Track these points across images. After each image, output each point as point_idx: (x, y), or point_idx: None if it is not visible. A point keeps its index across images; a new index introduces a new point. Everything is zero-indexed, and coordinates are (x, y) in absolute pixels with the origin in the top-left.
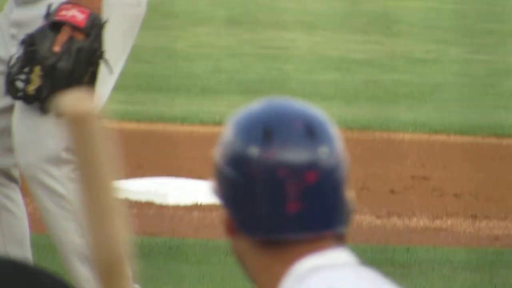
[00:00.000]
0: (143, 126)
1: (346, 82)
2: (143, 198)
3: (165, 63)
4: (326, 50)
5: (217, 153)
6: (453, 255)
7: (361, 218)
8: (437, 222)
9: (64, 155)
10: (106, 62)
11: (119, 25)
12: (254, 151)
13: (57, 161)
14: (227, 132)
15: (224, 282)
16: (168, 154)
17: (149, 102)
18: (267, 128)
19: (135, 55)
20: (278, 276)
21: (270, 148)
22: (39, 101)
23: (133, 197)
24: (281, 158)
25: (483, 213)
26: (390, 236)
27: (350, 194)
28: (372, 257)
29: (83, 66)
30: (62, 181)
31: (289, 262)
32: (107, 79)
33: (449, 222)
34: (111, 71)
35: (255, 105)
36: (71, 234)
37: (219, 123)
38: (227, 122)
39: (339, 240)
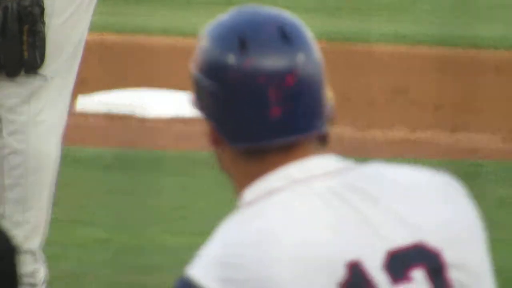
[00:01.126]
0: (125, 38)
1: None
2: (124, 110)
3: None
4: None
5: (194, 66)
6: (432, 167)
7: (342, 130)
8: (417, 134)
9: None
10: (38, 26)
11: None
12: (231, 61)
13: None
14: (202, 44)
15: (204, 193)
16: (150, 66)
17: (131, 13)
18: (241, 37)
19: None
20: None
21: (247, 56)
22: None
23: (115, 109)
24: (259, 66)
25: (463, 125)
26: (371, 149)
27: (329, 94)
28: None
29: (14, 29)
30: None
31: (271, 170)
32: (68, 41)
33: (428, 134)
34: (67, 38)
35: (227, 14)
36: None
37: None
38: (201, 33)
39: (322, 145)
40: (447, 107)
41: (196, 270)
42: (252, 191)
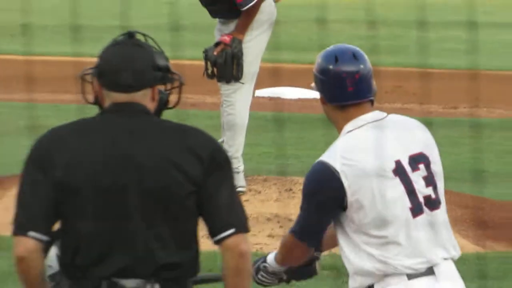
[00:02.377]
0: None
1: None
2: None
3: None
4: None
5: (314, 69)
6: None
7: None
8: None
9: None
10: (240, 60)
11: (259, 40)
12: (331, 66)
13: None
14: (317, 60)
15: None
16: None
17: None
18: (336, 56)
19: None
20: (343, 126)
21: (337, 65)
22: (215, 77)
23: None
24: (343, 69)
25: None
26: None
27: (374, 84)
28: None
29: (229, 61)
30: None
31: (349, 118)
32: (251, 67)
33: None
34: (250, 65)
35: (330, 47)
36: None
37: None
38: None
39: (372, 105)
40: None
41: (326, 159)
42: (349, 126)
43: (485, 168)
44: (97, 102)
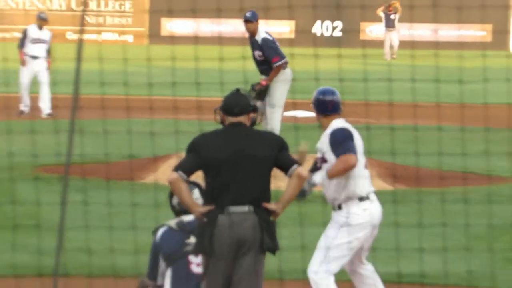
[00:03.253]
0: None
1: None
2: None
3: None
4: None
5: (313, 98)
6: None
7: None
8: None
9: None
10: (267, 91)
11: (282, 86)
12: (320, 97)
13: None
14: (314, 94)
15: None
16: None
17: None
18: (323, 91)
19: None
20: (327, 125)
21: (324, 96)
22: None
23: None
24: (327, 98)
25: None
26: None
27: (341, 105)
28: None
29: (263, 93)
30: None
31: (330, 121)
32: (280, 100)
33: None
34: (279, 99)
35: (320, 88)
36: None
37: None
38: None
39: (339, 115)
40: None
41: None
42: (335, 123)
43: None
44: (222, 122)
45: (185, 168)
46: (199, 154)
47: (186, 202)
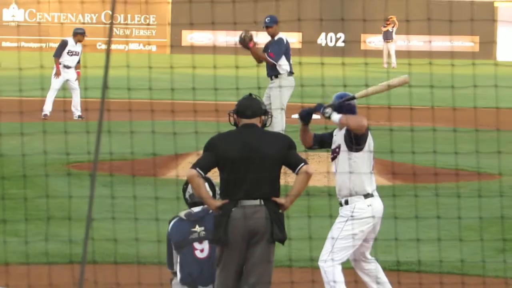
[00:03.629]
0: None
1: None
2: None
3: None
4: None
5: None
6: None
7: None
8: None
9: None
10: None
11: (286, 91)
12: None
13: None
14: (333, 99)
15: None
16: None
17: None
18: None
19: None
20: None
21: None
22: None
23: None
24: (347, 102)
25: None
26: None
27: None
28: None
29: (244, 43)
30: None
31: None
32: (281, 107)
33: None
34: (280, 103)
35: (340, 92)
36: None
37: None
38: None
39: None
40: None
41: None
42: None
43: None
44: (235, 124)
45: (202, 165)
46: (215, 153)
47: (204, 196)
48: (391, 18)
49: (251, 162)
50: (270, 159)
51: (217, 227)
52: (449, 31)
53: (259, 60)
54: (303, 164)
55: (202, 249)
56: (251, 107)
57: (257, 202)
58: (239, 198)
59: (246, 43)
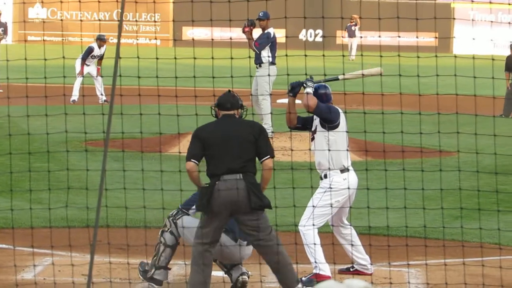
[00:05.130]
0: None
1: None
2: None
3: None
4: None
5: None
6: None
7: None
8: None
9: None
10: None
11: (269, 79)
12: (321, 91)
13: None
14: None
15: None
16: None
17: None
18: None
19: None
20: None
21: (321, 90)
22: None
23: None
24: (323, 91)
25: None
26: None
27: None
28: None
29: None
30: None
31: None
32: (266, 93)
33: None
34: (265, 89)
35: (317, 84)
36: None
37: None
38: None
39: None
40: None
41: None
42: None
43: None
44: (216, 116)
45: (194, 154)
46: (200, 140)
47: (198, 184)
48: (354, 17)
49: (230, 143)
50: (245, 140)
51: (201, 197)
52: (414, 27)
53: (250, 46)
54: (268, 156)
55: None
56: (230, 101)
57: (236, 176)
58: (221, 173)
59: (244, 26)
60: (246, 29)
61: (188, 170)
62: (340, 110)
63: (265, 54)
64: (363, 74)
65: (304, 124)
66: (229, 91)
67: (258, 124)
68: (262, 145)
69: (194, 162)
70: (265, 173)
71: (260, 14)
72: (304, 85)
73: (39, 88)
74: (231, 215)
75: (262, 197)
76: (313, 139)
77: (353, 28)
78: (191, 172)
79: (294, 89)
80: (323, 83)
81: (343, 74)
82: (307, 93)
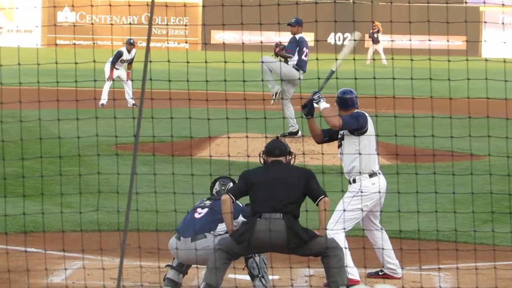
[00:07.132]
0: None
1: None
2: None
3: None
4: None
5: (335, 99)
6: None
7: None
8: None
9: None
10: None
11: (293, 84)
12: (347, 96)
13: None
14: (337, 95)
15: None
16: None
17: None
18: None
19: None
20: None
21: (347, 95)
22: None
23: None
24: (349, 96)
25: None
26: None
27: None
28: None
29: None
30: None
31: (351, 113)
32: (289, 98)
33: None
34: (290, 94)
35: (343, 88)
36: None
37: None
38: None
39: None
40: None
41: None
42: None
43: None
44: (265, 162)
45: (235, 192)
46: (246, 181)
47: (226, 221)
48: (376, 24)
49: (275, 186)
50: (291, 184)
51: (245, 232)
52: (445, 31)
53: (284, 58)
54: (322, 196)
55: (200, 212)
56: (279, 148)
57: (277, 215)
58: (262, 211)
59: (274, 47)
60: (277, 49)
61: (222, 200)
62: (367, 114)
63: (294, 58)
64: (347, 51)
65: (331, 136)
66: (277, 137)
67: (307, 169)
68: (314, 187)
69: (230, 196)
70: (321, 214)
71: (293, 20)
72: (314, 102)
73: (70, 92)
74: (271, 250)
75: (302, 234)
76: (340, 145)
77: (375, 35)
78: (226, 202)
79: (308, 109)
80: (332, 87)
81: (336, 60)
82: (324, 108)
